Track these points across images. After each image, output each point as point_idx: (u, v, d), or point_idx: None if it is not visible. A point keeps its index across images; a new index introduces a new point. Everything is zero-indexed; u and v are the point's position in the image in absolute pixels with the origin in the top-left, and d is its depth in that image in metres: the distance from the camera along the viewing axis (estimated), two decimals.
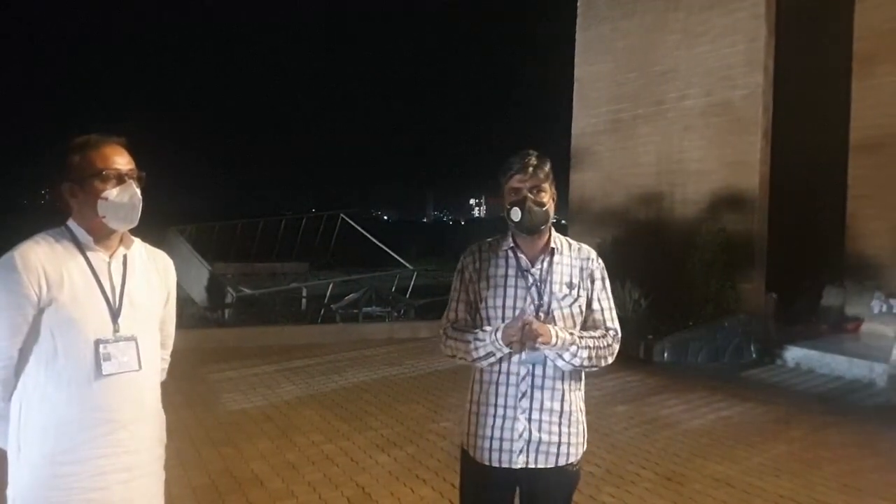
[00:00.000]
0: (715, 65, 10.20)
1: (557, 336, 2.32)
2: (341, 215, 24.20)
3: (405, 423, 6.20)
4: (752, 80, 9.70)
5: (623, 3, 11.79)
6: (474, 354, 2.40)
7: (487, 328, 2.39)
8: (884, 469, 5.26)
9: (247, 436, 5.78)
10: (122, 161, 2.14)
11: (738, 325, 9.28)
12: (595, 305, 2.50)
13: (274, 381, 7.60)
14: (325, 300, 15.05)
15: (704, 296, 9.49)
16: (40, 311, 2.02)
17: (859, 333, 9.77)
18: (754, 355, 9.20)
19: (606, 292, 2.53)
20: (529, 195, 2.40)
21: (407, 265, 19.26)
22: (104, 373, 2.05)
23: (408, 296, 16.48)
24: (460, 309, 2.53)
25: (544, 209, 2.42)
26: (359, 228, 22.16)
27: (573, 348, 2.36)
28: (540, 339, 2.28)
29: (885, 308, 9.84)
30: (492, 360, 2.40)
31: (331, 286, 15.86)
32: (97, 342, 2.06)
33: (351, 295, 14.88)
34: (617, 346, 2.49)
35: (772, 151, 9.79)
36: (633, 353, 9.04)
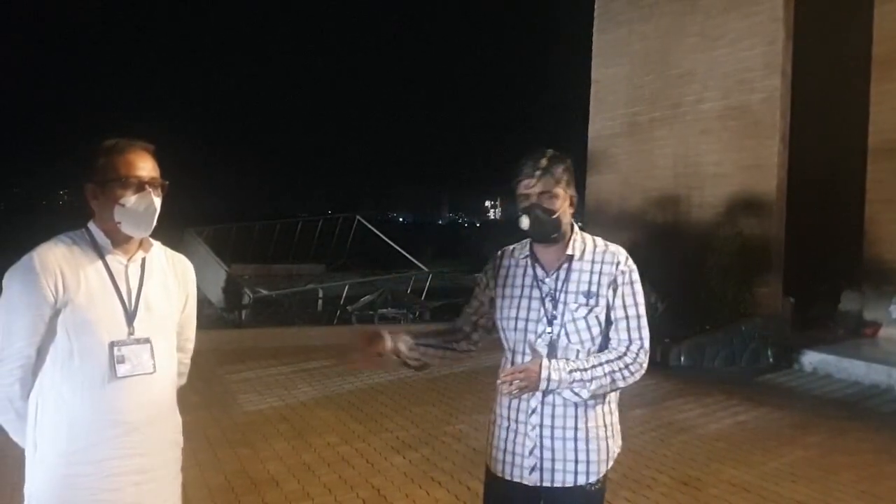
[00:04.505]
0: (732, 68, 10.15)
1: (549, 380, 2.19)
2: (357, 217, 24.22)
3: (420, 425, 6.21)
4: (770, 84, 9.65)
5: (640, 6, 11.76)
6: None
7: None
8: None
9: (263, 436, 5.81)
10: (145, 168, 2.15)
11: (755, 329, 9.23)
12: (619, 313, 2.30)
13: (290, 382, 7.64)
14: (341, 301, 15.09)
15: (721, 300, 9.44)
16: (56, 312, 2.04)
17: (877, 338, 9.70)
18: (771, 360, 9.14)
19: (634, 298, 2.31)
20: (538, 202, 2.25)
21: (422, 267, 19.25)
22: (118, 375, 2.07)
23: (423, 298, 16.46)
24: (465, 313, 2.52)
25: (554, 217, 2.25)
26: (374, 230, 22.16)
27: (576, 385, 2.23)
28: (522, 390, 2.23)
29: None
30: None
31: (346, 288, 15.87)
32: (112, 344, 2.07)
33: (367, 296, 14.91)
34: (643, 359, 2.32)
35: (789, 155, 9.73)
36: (650, 357, 9.01)
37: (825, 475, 5.15)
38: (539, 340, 2.29)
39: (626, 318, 2.31)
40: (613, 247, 2.37)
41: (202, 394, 6.90)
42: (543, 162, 2.26)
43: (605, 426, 2.35)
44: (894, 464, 5.48)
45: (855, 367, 8.34)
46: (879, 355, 8.65)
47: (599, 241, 2.39)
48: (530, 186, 2.25)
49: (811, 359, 8.84)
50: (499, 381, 2.30)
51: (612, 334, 2.32)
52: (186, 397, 2.43)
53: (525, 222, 2.27)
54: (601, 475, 2.33)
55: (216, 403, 6.74)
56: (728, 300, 9.43)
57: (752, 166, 9.85)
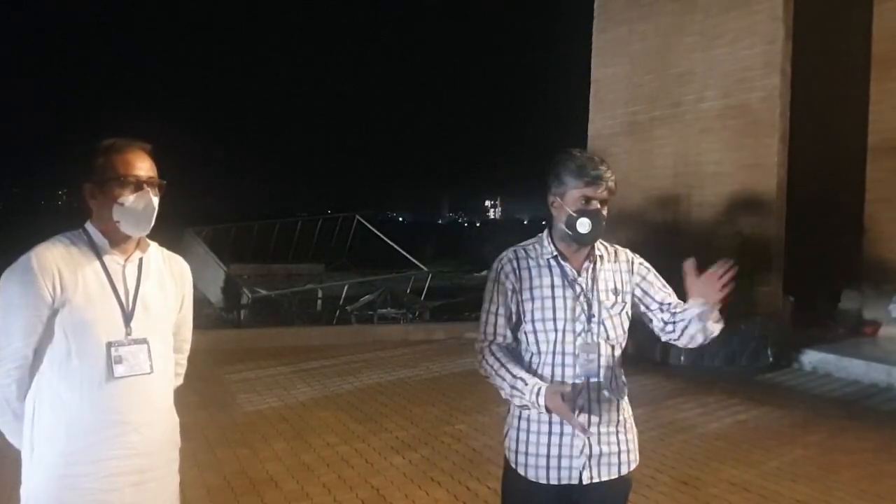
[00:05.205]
0: (732, 67, 10.14)
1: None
2: (357, 217, 24.23)
3: (420, 425, 6.20)
4: (770, 83, 9.64)
5: (640, 5, 11.75)
6: (509, 398, 2.29)
7: (528, 379, 2.22)
8: None
9: (262, 437, 5.81)
10: (143, 168, 2.15)
11: (755, 328, 9.21)
12: (662, 294, 2.46)
13: (289, 383, 7.63)
14: (341, 301, 15.10)
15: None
16: (54, 313, 2.04)
17: (877, 337, 9.69)
18: (771, 359, 9.14)
19: (660, 280, 2.51)
20: (601, 208, 2.31)
21: (422, 267, 19.26)
22: (116, 375, 2.06)
23: (423, 298, 16.46)
24: (500, 324, 2.36)
25: (605, 222, 2.32)
26: (374, 230, 22.16)
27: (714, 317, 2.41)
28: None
29: None
30: (526, 411, 2.31)
31: (346, 287, 15.88)
32: (109, 344, 2.07)
33: (366, 296, 14.94)
34: None
35: (789, 154, 9.72)
36: (650, 356, 9.00)
37: (825, 474, 5.14)
38: (578, 339, 2.31)
39: (669, 293, 2.48)
40: (618, 247, 2.51)
41: (201, 394, 6.90)
42: (609, 173, 2.34)
43: (631, 416, 2.46)
44: (894, 462, 5.47)
45: (855, 366, 8.33)
46: (879, 354, 8.64)
47: (605, 242, 2.48)
48: (598, 192, 2.32)
49: (811, 358, 8.84)
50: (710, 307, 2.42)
51: (672, 304, 2.45)
52: (185, 397, 2.43)
53: (586, 225, 2.29)
54: (637, 463, 2.42)
55: (215, 403, 6.74)
56: (728, 299, 9.41)
57: (752, 165, 9.84)
